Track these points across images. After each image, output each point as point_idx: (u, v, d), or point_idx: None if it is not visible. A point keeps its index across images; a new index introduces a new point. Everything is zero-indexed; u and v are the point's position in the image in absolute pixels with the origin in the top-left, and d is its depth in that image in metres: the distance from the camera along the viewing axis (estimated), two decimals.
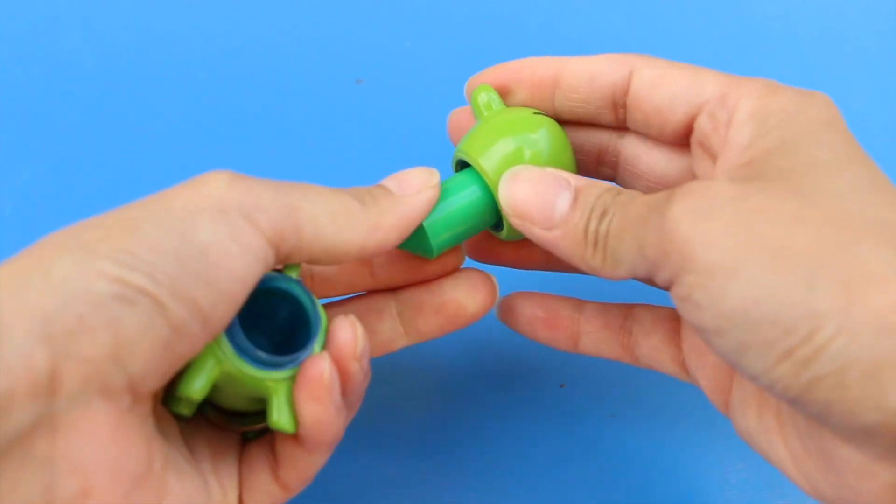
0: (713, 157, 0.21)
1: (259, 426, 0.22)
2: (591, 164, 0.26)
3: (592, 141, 0.25)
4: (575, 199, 0.20)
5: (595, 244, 0.20)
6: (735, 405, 0.22)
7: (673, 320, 0.25)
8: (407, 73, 0.38)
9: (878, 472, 0.17)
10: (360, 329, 0.21)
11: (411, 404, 0.29)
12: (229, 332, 0.19)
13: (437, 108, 0.37)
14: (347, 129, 0.36)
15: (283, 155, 0.35)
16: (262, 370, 0.19)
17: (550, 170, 0.21)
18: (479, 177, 0.23)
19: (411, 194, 0.22)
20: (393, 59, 0.39)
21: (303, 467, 0.21)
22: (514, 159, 0.22)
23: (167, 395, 0.20)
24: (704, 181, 0.19)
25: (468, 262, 0.26)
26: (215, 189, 0.19)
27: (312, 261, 0.20)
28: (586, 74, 0.23)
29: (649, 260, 0.18)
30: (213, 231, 0.18)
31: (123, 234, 0.17)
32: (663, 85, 0.22)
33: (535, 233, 0.21)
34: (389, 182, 0.22)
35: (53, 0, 0.39)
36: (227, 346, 0.19)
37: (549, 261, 0.27)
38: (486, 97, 0.25)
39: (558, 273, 0.27)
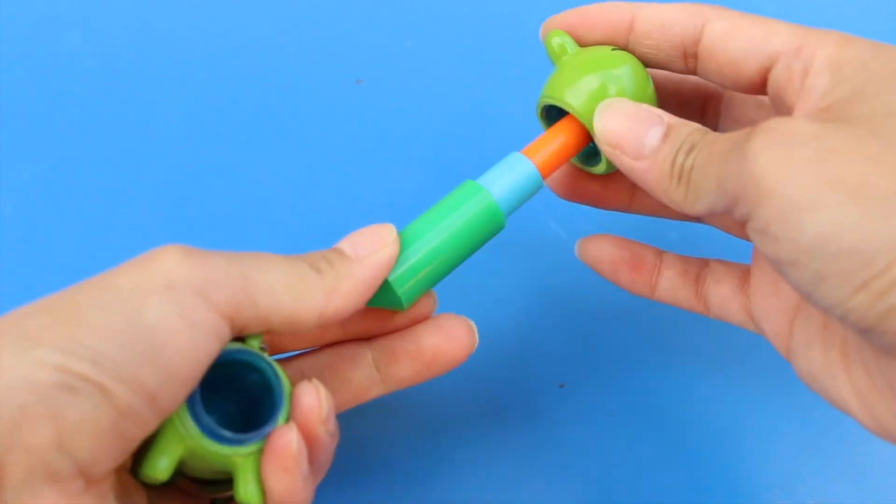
0: (788, 109, 0.22)
1: (229, 493, 0.21)
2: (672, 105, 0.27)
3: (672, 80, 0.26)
4: (666, 135, 0.21)
5: (679, 178, 0.21)
6: (797, 348, 0.23)
7: (743, 271, 0.26)
8: (407, 73, 0.38)
9: None
10: (323, 392, 0.20)
11: (410, 403, 0.29)
12: (192, 409, 0.19)
13: (437, 108, 0.38)
14: (347, 129, 0.36)
15: (282, 155, 0.35)
16: (228, 446, 0.19)
17: (646, 105, 0.22)
18: (444, 213, 0.23)
19: (367, 255, 0.21)
20: (393, 59, 0.39)
21: None
22: (600, 95, 0.23)
23: (135, 464, 0.19)
24: (785, 118, 0.19)
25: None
26: (165, 266, 0.18)
27: (271, 331, 0.20)
28: (658, 22, 0.24)
29: (729, 194, 0.19)
30: (161, 310, 0.17)
31: (67, 321, 0.17)
32: (736, 37, 0.23)
33: (625, 162, 0.22)
34: (344, 244, 0.22)
35: (53, 0, 0.39)
36: (190, 424, 0.19)
37: (632, 201, 0.28)
38: (560, 40, 0.25)
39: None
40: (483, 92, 0.38)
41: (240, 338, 0.20)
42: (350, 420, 0.28)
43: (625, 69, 0.24)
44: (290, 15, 0.40)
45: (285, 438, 0.19)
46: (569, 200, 0.28)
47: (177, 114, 0.36)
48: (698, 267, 0.27)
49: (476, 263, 0.32)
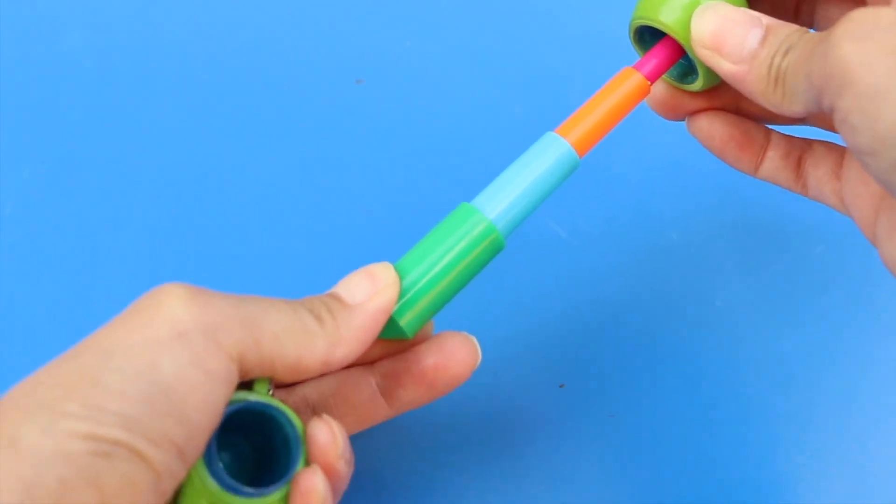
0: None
1: None
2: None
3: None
4: (765, 37, 0.21)
5: (776, 80, 0.21)
6: (882, 235, 0.23)
7: (839, 155, 0.26)
8: (407, 73, 0.38)
9: None
10: (336, 427, 0.20)
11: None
12: (210, 467, 0.19)
13: (437, 108, 0.37)
14: (347, 129, 0.36)
15: (282, 155, 0.35)
16: (250, 499, 0.19)
17: (744, 8, 0.22)
18: (440, 240, 0.23)
19: (366, 301, 0.21)
20: (393, 59, 0.39)
21: None
22: (693, 7, 0.23)
23: None
24: (870, 8, 0.19)
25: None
26: (171, 312, 0.18)
27: (273, 377, 0.20)
28: None
29: (816, 87, 0.19)
30: (175, 362, 0.17)
31: (84, 389, 0.17)
32: None
33: (723, 66, 0.22)
34: (342, 290, 0.22)
35: (53, 0, 0.39)
36: (210, 481, 0.19)
37: (738, 110, 0.27)
38: None
39: None
40: (483, 92, 0.38)
41: (246, 382, 0.20)
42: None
43: None
44: (290, 15, 0.40)
45: (311, 482, 0.19)
46: (672, 120, 0.28)
47: (177, 113, 0.36)
48: (801, 149, 0.26)
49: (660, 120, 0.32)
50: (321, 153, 0.35)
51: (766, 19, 0.22)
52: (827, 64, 0.18)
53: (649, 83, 0.24)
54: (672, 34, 0.23)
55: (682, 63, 0.25)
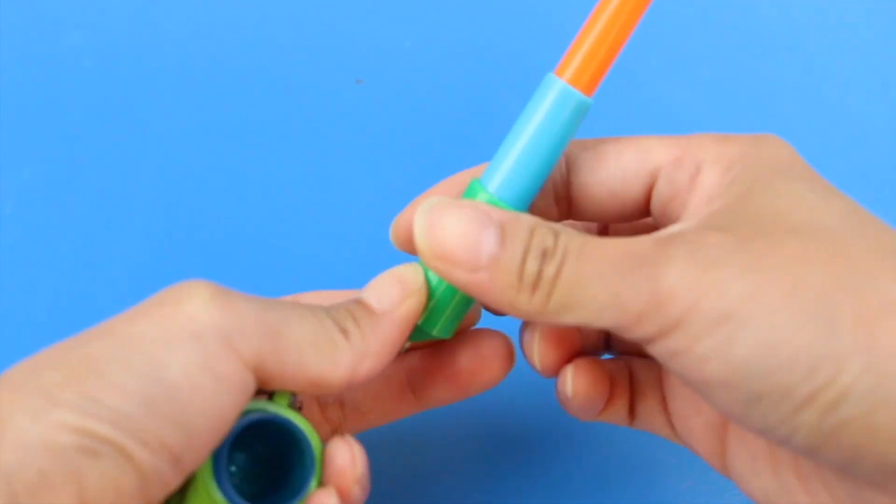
0: (676, 220, 0.20)
1: None
2: None
3: None
4: (502, 237, 0.18)
5: (534, 287, 0.17)
6: (742, 472, 0.20)
7: (658, 385, 0.23)
8: (407, 73, 0.38)
9: None
10: (357, 450, 0.19)
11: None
12: (219, 480, 0.18)
13: (437, 109, 0.37)
14: (347, 129, 0.36)
15: (282, 155, 0.35)
16: None
17: (472, 202, 0.19)
18: None
19: (392, 310, 0.20)
20: (393, 59, 0.39)
21: None
22: None
23: None
24: (694, 230, 0.17)
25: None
26: (191, 310, 0.17)
27: (294, 389, 0.19)
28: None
29: (630, 312, 0.17)
30: (186, 363, 0.16)
31: (86, 377, 0.16)
32: (608, 164, 0.21)
33: (459, 277, 0.18)
34: (370, 295, 0.20)
35: (53, 0, 0.39)
36: (218, 496, 0.18)
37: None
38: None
39: None
40: (484, 92, 0.38)
41: (267, 391, 0.19)
42: None
43: None
44: (289, 15, 0.40)
45: None
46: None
47: (177, 113, 0.36)
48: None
49: None
50: (321, 153, 0.35)
51: (496, 213, 0.18)
52: (659, 290, 0.16)
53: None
54: None
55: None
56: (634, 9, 0.20)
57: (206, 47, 0.38)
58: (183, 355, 0.16)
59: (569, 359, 0.22)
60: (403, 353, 0.23)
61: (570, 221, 0.23)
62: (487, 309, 0.22)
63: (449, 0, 0.41)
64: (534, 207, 0.21)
